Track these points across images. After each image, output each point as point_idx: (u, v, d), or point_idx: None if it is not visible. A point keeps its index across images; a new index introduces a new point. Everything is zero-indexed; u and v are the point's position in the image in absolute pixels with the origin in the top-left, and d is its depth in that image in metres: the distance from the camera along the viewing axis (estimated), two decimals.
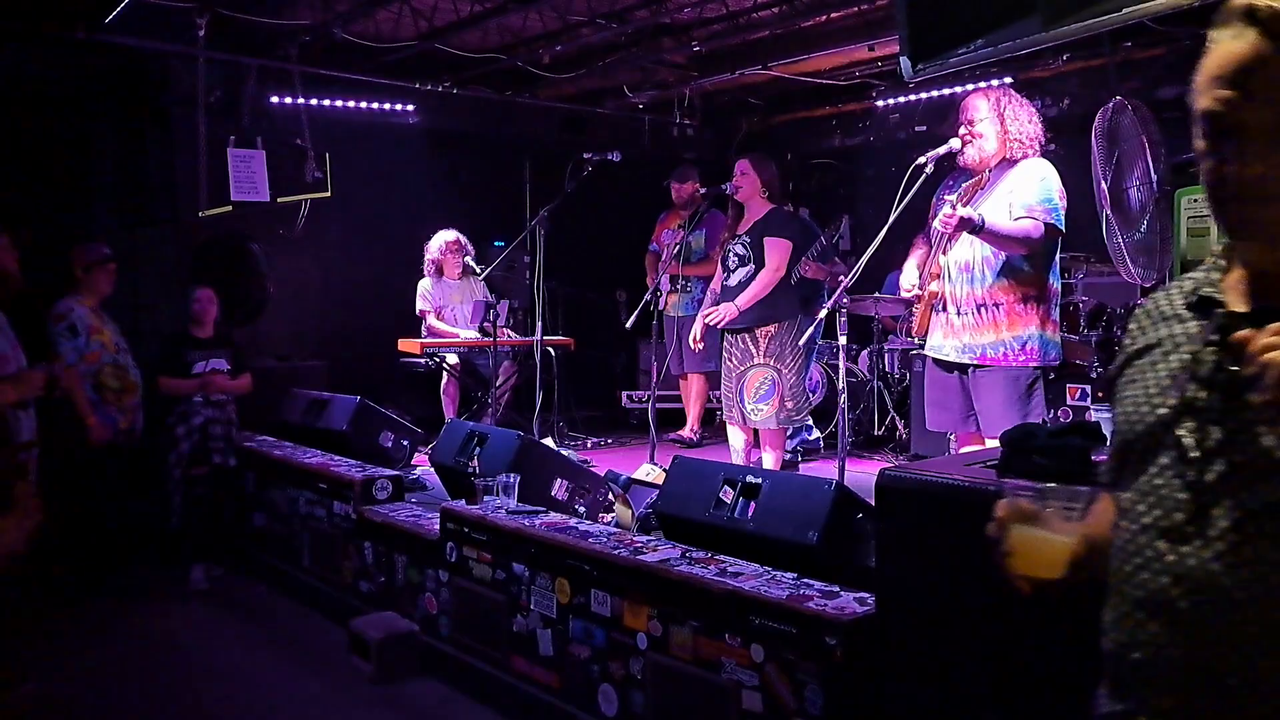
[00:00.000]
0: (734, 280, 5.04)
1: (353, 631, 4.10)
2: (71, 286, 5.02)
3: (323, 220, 7.12)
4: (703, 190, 5.62)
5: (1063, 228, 3.73)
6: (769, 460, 5.02)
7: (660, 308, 6.85)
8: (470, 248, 6.90)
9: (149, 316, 6.33)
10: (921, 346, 4.20)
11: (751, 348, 4.98)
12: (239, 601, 5.07)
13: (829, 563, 2.94)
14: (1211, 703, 1.08)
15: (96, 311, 5.07)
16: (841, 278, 4.73)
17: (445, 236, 6.83)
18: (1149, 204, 3.58)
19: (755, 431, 5.14)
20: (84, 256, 5.07)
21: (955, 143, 3.84)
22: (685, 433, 6.86)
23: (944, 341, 3.92)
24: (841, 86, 7.77)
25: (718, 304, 5.14)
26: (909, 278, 4.08)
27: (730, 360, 5.07)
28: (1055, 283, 3.87)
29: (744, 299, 4.94)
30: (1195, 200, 1.70)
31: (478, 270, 6.80)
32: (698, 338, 5.33)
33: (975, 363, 3.83)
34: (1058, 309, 3.89)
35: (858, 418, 6.75)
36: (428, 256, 6.81)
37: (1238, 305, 1.14)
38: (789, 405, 4.96)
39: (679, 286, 6.77)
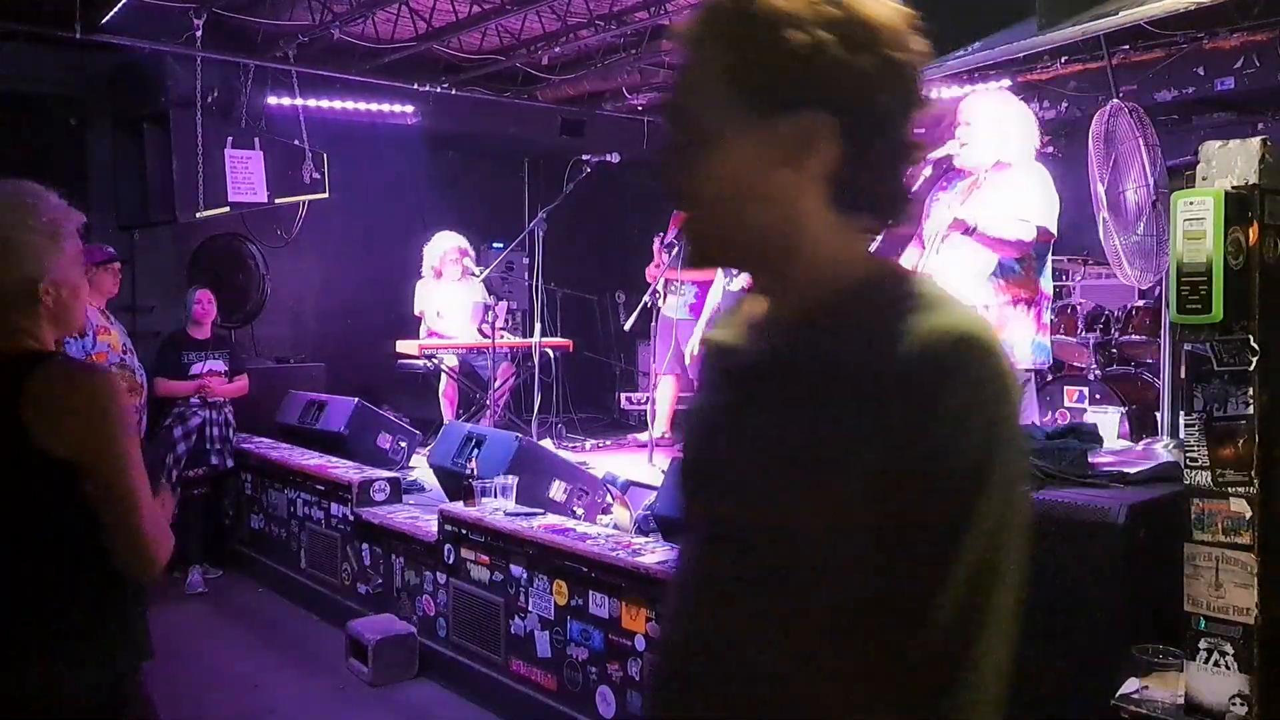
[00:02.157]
0: (736, 285, 5.04)
1: (350, 634, 4.09)
2: None
3: (321, 222, 7.11)
4: None
5: (1054, 232, 3.74)
6: None
7: (659, 305, 6.78)
8: (470, 250, 6.89)
9: (147, 318, 6.33)
10: None
11: None
12: (236, 604, 5.06)
13: None
14: None
15: (104, 312, 5.08)
16: None
17: (446, 242, 6.78)
18: (1146, 207, 3.59)
19: None
20: (89, 258, 5.07)
21: (954, 145, 3.85)
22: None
23: None
24: None
25: (722, 308, 5.17)
26: None
27: None
28: (1047, 286, 3.88)
29: None
30: (1191, 203, 1.70)
31: (477, 272, 6.79)
32: (695, 347, 5.42)
33: None
34: (1048, 312, 3.90)
35: None
36: (427, 259, 6.79)
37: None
38: None
39: (673, 288, 6.68)
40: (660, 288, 6.66)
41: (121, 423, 1.65)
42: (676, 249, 6.38)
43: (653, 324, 6.75)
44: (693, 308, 6.10)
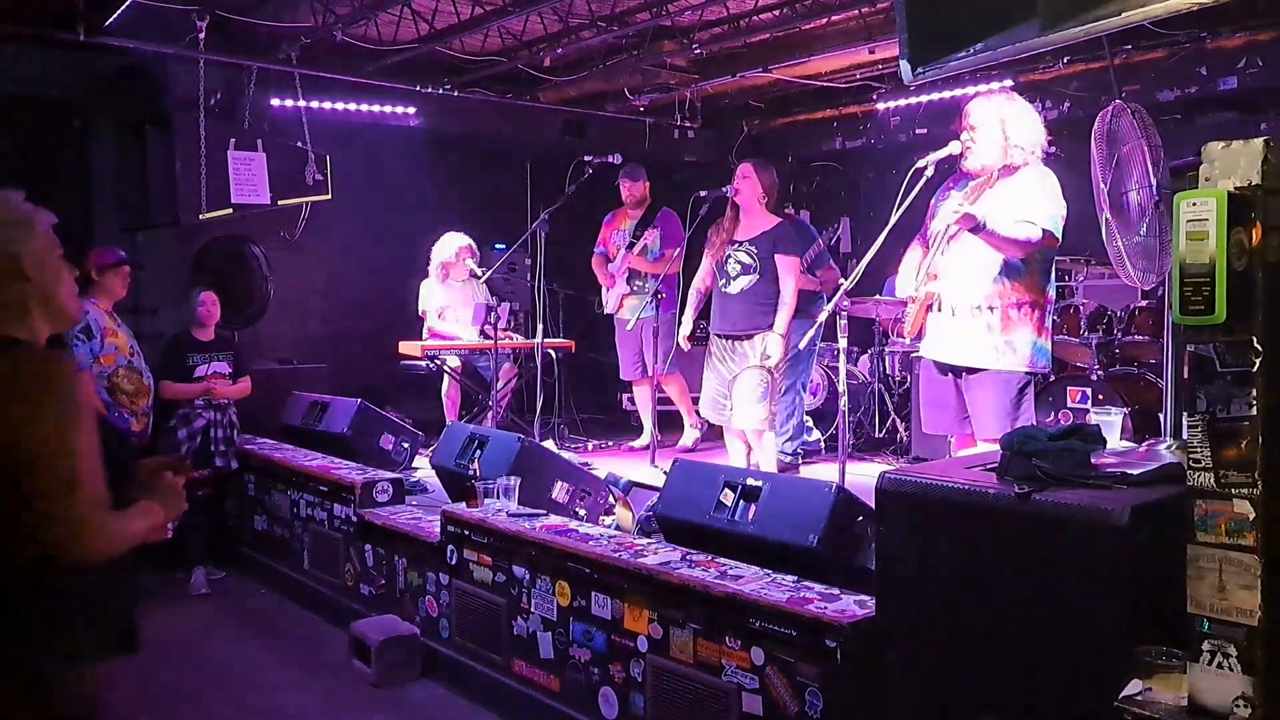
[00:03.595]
0: (734, 288, 5.02)
1: (353, 635, 4.10)
2: (85, 289, 5.03)
3: (323, 223, 7.13)
4: (703, 194, 5.59)
5: (1059, 236, 3.74)
6: (760, 461, 5.02)
7: (614, 310, 6.61)
8: (476, 251, 6.89)
9: (150, 320, 6.34)
10: (914, 348, 4.20)
11: (748, 351, 4.98)
12: (239, 605, 5.07)
13: (829, 565, 2.94)
14: None
15: (111, 314, 5.09)
16: (841, 280, 4.73)
17: (456, 241, 6.76)
18: (1148, 207, 3.58)
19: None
20: (100, 260, 5.09)
21: (955, 146, 3.84)
22: (688, 439, 6.71)
23: (939, 343, 3.93)
24: (842, 89, 7.78)
25: (712, 310, 5.16)
26: (906, 280, 4.08)
27: (722, 362, 5.07)
28: (1051, 290, 3.87)
29: (780, 327, 4.93)
30: (1194, 204, 1.70)
31: (480, 273, 6.80)
32: (688, 334, 5.42)
33: (968, 365, 3.83)
34: (1051, 317, 3.90)
35: (858, 420, 6.75)
36: (434, 259, 6.78)
37: None
38: (774, 409, 4.98)
39: (635, 288, 6.48)
40: (618, 291, 6.53)
41: (71, 411, 1.64)
42: (636, 245, 6.37)
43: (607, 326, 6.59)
44: (663, 304, 6.05)
